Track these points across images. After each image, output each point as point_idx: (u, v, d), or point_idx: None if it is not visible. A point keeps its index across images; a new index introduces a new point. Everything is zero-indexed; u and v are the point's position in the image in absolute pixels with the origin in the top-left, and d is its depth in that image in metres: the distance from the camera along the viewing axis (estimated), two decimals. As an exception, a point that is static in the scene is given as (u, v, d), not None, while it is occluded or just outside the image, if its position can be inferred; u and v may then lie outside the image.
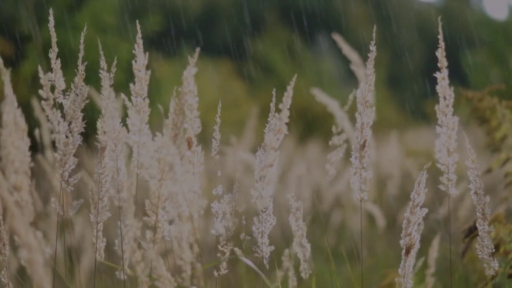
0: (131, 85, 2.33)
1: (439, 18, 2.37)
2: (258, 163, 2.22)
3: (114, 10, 10.97)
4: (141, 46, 2.34)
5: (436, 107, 2.33)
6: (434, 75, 2.33)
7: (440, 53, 2.32)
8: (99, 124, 2.32)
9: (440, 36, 2.31)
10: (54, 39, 2.32)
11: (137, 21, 2.36)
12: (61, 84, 2.33)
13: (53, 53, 2.33)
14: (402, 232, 2.28)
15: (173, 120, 2.45)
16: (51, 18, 2.31)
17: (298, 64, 18.42)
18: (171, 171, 2.18)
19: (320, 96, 3.75)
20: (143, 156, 2.24)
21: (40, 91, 2.47)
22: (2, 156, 2.75)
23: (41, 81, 2.45)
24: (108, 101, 2.32)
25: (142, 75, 2.36)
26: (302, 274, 2.46)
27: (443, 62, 2.33)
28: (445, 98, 2.33)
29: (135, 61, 2.36)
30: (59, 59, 2.35)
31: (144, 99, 2.35)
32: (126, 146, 2.46)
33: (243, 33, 20.83)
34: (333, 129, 2.89)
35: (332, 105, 3.65)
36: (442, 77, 2.33)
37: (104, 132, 2.31)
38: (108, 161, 2.32)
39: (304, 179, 5.14)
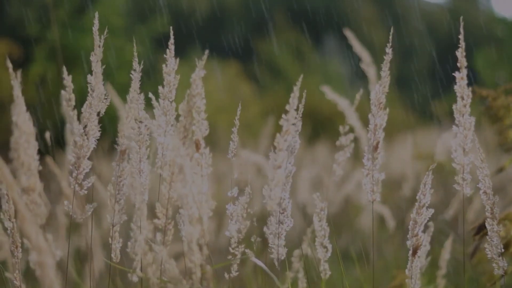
0: (159, 87, 2.35)
1: (461, 18, 2.35)
2: (270, 166, 2.22)
3: (121, 12, 10.99)
4: (173, 52, 2.36)
5: (454, 106, 2.31)
6: (453, 74, 2.30)
7: (460, 53, 2.29)
8: (119, 127, 2.33)
9: (461, 36, 2.29)
10: (97, 43, 2.31)
11: (171, 27, 2.38)
12: (101, 88, 2.33)
13: (94, 56, 2.32)
14: (409, 233, 2.27)
15: (181, 122, 2.46)
16: (96, 21, 2.29)
17: (306, 65, 18.41)
18: (181, 173, 2.17)
19: (330, 94, 3.73)
20: (167, 157, 2.25)
21: (63, 92, 2.48)
22: (13, 158, 2.74)
23: (65, 82, 2.45)
24: (134, 103, 2.32)
25: (171, 79, 2.39)
26: (322, 275, 2.45)
27: (462, 61, 2.30)
28: (462, 98, 2.31)
29: (166, 65, 2.38)
30: (100, 62, 2.34)
31: (171, 102, 2.36)
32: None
33: (251, 34, 20.82)
34: (340, 129, 2.88)
35: (342, 103, 3.63)
36: (461, 76, 2.31)
37: (124, 135, 2.31)
38: (126, 163, 2.32)
39: (314, 180, 5.13)
